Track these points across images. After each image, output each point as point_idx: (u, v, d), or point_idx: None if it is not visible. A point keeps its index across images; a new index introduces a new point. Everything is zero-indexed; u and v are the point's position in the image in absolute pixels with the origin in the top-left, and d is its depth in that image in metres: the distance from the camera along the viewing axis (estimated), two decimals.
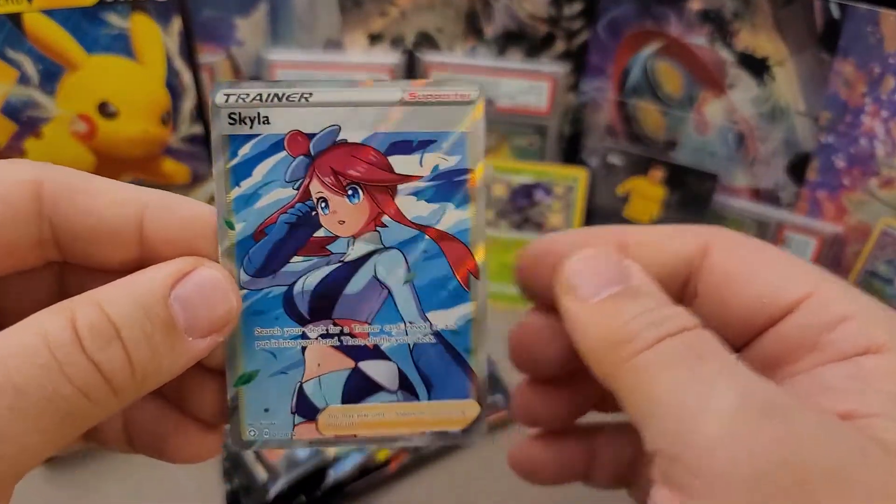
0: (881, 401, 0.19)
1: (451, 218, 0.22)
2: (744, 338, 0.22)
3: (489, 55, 0.59)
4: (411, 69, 0.59)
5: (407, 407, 0.23)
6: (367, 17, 0.59)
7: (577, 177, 0.58)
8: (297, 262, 0.22)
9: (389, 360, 0.23)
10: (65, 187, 0.21)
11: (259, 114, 0.22)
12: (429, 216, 0.22)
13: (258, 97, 0.22)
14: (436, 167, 0.22)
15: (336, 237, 0.22)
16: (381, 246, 0.22)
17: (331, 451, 0.43)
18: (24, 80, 0.50)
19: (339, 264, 0.22)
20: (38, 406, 0.17)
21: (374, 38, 0.60)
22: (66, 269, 0.23)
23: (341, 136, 0.22)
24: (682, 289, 0.23)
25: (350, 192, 0.22)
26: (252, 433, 0.23)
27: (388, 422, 0.23)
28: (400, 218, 0.22)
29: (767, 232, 0.54)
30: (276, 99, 0.22)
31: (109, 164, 0.54)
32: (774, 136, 0.53)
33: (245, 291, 0.22)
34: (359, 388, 0.23)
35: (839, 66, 0.49)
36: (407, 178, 0.22)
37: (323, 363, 0.23)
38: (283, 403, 0.23)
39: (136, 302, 0.19)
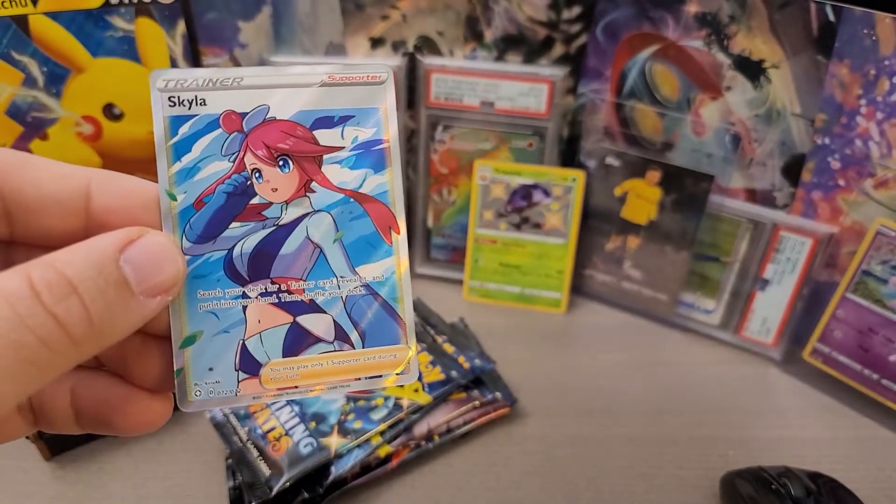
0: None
1: (372, 182, 0.25)
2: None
3: (489, 58, 0.59)
4: (412, 72, 0.59)
5: (343, 355, 0.25)
6: (368, 20, 0.59)
7: (576, 178, 0.58)
8: (235, 228, 0.24)
9: (325, 312, 0.25)
10: (12, 163, 0.22)
11: (196, 97, 0.24)
12: (352, 181, 0.25)
13: (195, 82, 0.24)
14: (355, 138, 0.25)
15: (270, 203, 0.24)
16: (312, 209, 0.25)
17: (333, 448, 0.44)
18: (29, 82, 0.50)
19: (274, 227, 0.24)
20: (2, 354, 0.18)
21: (376, 42, 0.60)
22: (12, 250, 0.24)
23: (270, 114, 0.24)
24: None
25: (281, 163, 0.24)
26: (198, 393, 0.24)
27: (327, 371, 0.25)
28: (327, 184, 0.25)
29: (763, 232, 0.55)
30: (210, 83, 0.24)
31: (115, 165, 0.54)
32: (770, 137, 0.54)
33: (188, 257, 0.24)
34: (298, 341, 0.25)
35: (834, 69, 0.50)
36: (331, 148, 0.25)
37: (263, 320, 0.24)
38: (226, 361, 0.24)
39: (89, 261, 0.20)
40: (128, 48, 0.51)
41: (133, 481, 0.45)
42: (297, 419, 0.46)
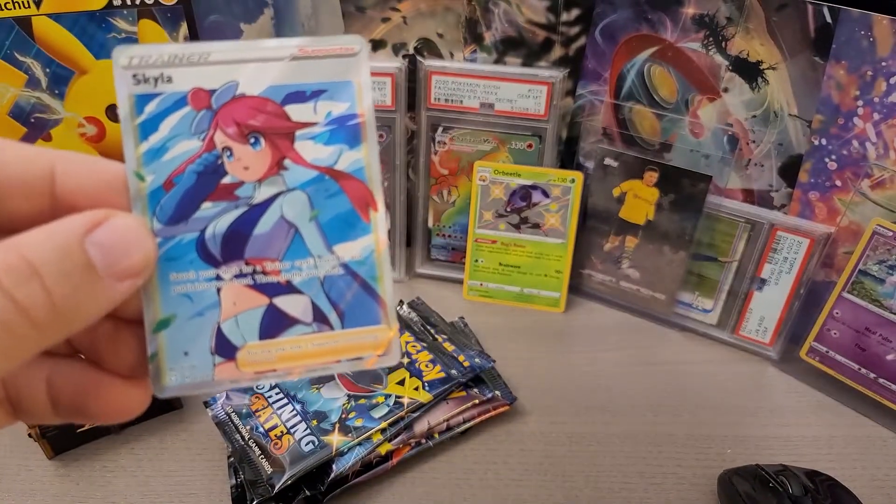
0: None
1: (347, 158, 0.24)
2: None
3: (489, 60, 0.60)
4: (413, 74, 0.60)
5: (323, 337, 0.24)
6: (369, 23, 0.60)
7: (574, 179, 0.58)
8: (207, 209, 0.23)
9: (302, 293, 0.24)
10: None
11: (162, 74, 0.23)
12: (326, 158, 0.24)
13: (160, 58, 0.23)
14: (329, 113, 0.24)
15: (242, 182, 0.23)
16: (286, 188, 0.24)
17: (334, 446, 0.44)
18: (32, 83, 0.50)
19: (248, 207, 0.23)
20: None
21: (377, 44, 0.60)
22: None
23: (240, 91, 0.24)
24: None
25: (252, 141, 0.24)
26: (173, 378, 0.23)
27: (305, 353, 0.24)
28: (300, 161, 0.24)
29: (760, 232, 0.55)
30: (177, 59, 0.23)
31: None
32: (768, 138, 0.54)
33: (159, 239, 0.23)
34: (275, 323, 0.24)
35: (832, 70, 0.50)
36: (303, 124, 0.24)
37: (238, 302, 0.23)
38: (202, 345, 0.23)
39: (53, 244, 0.19)
40: None
41: (136, 479, 0.45)
42: (298, 417, 0.46)
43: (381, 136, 0.61)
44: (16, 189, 0.22)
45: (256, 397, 0.48)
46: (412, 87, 0.60)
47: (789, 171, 0.54)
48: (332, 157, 0.24)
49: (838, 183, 0.52)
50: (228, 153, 0.23)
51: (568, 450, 0.49)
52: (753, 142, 0.55)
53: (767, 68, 0.52)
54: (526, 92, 0.58)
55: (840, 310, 0.52)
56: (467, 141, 0.61)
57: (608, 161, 0.59)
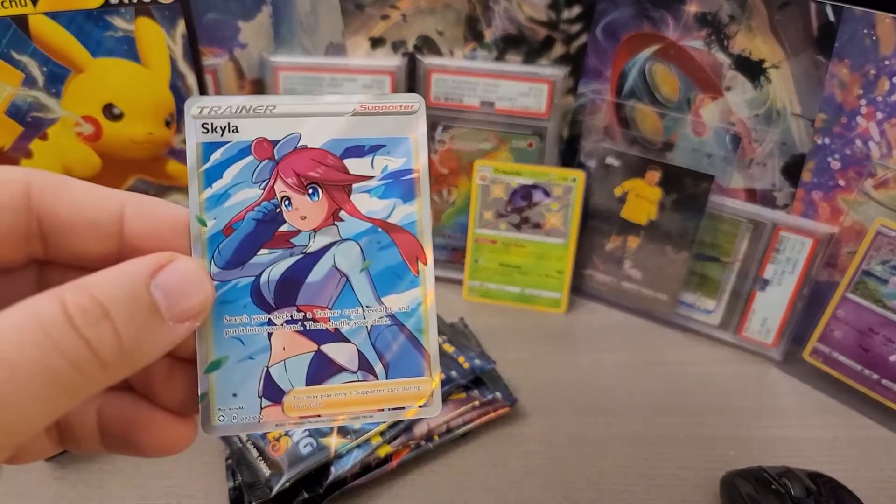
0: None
1: (400, 212, 0.25)
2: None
3: (489, 58, 0.59)
4: (412, 73, 0.59)
5: (367, 386, 0.25)
6: (368, 20, 0.59)
7: (576, 178, 0.58)
8: (264, 255, 0.24)
9: (349, 342, 0.25)
10: (51, 185, 0.23)
11: (229, 124, 0.25)
12: (381, 211, 0.25)
13: (228, 109, 0.25)
14: (385, 167, 0.25)
15: (299, 231, 0.25)
16: (340, 238, 0.25)
17: (333, 448, 0.44)
18: (29, 82, 0.50)
19: (302, 255, 0.24)
20: (33, 379, 0.18)
21: (376, 42, 0.60)
22: (46, 270, 0.24)
23: (301, 143, 0.25)
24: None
25: (310, 191, 0.25)
26: (221, 418, 0.24)
27: (349, 401, 0.25)
28: (355, 213, 0.25)
29: (763, 232, 0.55)
30: (243, 111, 0.25)
31: (114, 165, 0.54)
32: (770, 137, 0.54)
33: (216, 283, 0.24)
34: (321, 370, 0.25)
35: (835, 69, 0.50)
36: (361, 177, 0.25)
37: (288, 347, 0.24)
38: (250, 388, 0.24)
39: (122, 286, 0.20)
40: (128, 48, 0.51)
41: (133, 482, 0.45)
42: None
43: None
44: (86, 229, 0.23)
45: None
46: (412, 86, 0.60)
47: (792, 170, 0.54)
48: (385, 210, 0.25)
49: (841, 182, 0.52)
50: (287, 202, 0.25)
51: (569, 451, 0.48)
52: (756, 141, 0.54)
53: (770, 67, 0.52)
54: (527, 90, 0.58)
55: (843, 310, 0.52)
56: (467, 140, 0.60)
57: (610, 160, 0.58)
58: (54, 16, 0.49)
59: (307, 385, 0.24)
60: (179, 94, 0.54)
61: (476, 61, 0.59)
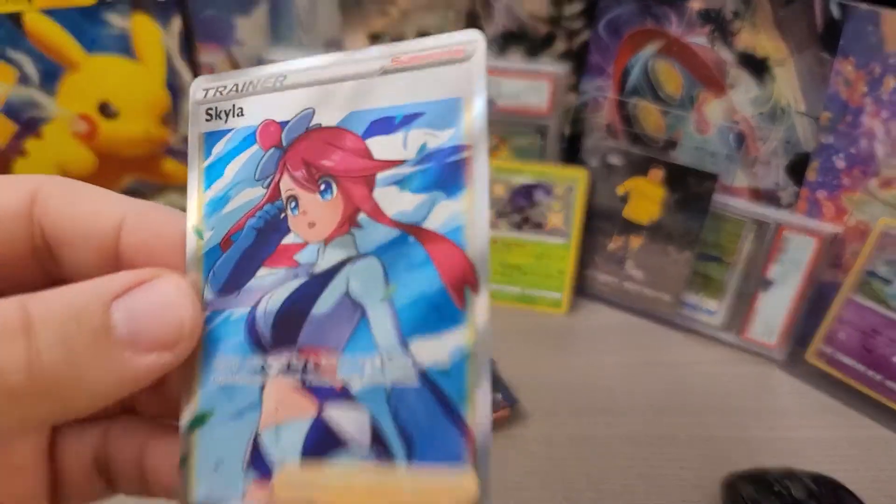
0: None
1: (442, 212, 0.17)
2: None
3: (489, 55, 0.59)
4: None
5: (379, 472, 0.17)
6: (367, 16, 0.59)
7: (577, 177, 0.58)
8: (263, 276, 0.19)
9: (360, 406, 0.18)
10: (55, 192, 0.20)
11: (234, 106, 0.20)
12: (414, 211, 0.18)
13: (234, 87, 0.20)
14: (423, 146, 0.18)
15: (305, 244, 0.19)
16: (356, 253, 0.18)
17: None
18: (23, 79, 0.50)
19: (307, 277, 0.18)
20: None
21: (375, 38, 0.60)
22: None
23: (315, 121, 0.19)
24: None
25: (322, 187, 0.19)
26: (201, 491, 0.19)
27: (354, 490, 0.18)
28: (378, 215, 0.18)
29: (767, 232, 0.54)
30: (250, 86, 0.20)
31: (110, 164, 0.54)
32: (774, 136, 0.53)
33: (208, 312, 0.19)
34: (322, 443, 0.18)
35: (839, 66, 0.49)
36: (387, 163, 0.18)
37: (282, 406, 0.18)
38: (236, 455, 0.19)
39: (68, 302, 0.17)
40: (123, 45, 0.51)
41: None
42: None
43: None
44: (82, 240, 0.20)
45: None
46: None
47: (796, 169, 0.53)
48: (421, 211, 0.18)
49: (846, 182, 0.52)
50: (293, 204, 0.19)
51: (570, 452, 0.48)
52: (760, 139, 0.54)
53: (774, 64, 0.51)
54: (528, 87, 0.57)
55: (847, 311, 0.51)
56: None
57: (612, 159, 0.58)
58: (49, 13, 0.48)
59: (302, 458, 0.18)
60: (175, 91, 0.53)
61: None
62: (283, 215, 0.19)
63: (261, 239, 0.19)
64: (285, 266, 0.19)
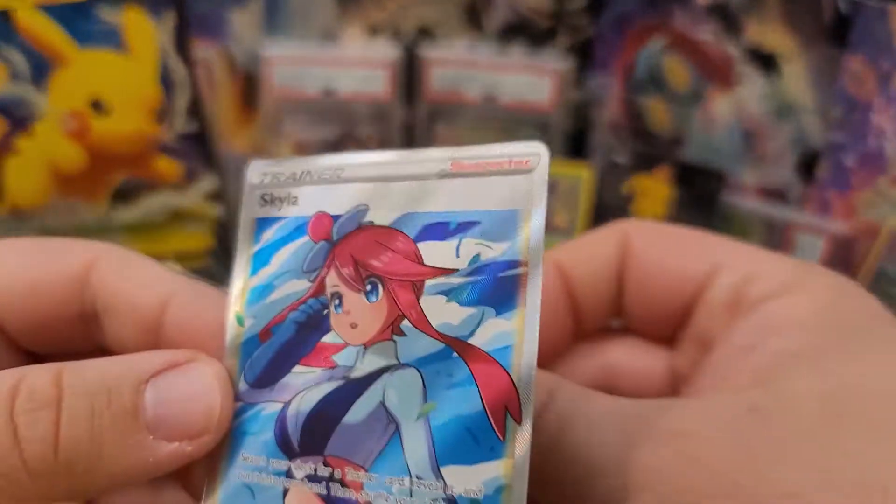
0: (782, 343, 0.19)
1: (490, 330, 0.17)
2: (677, 318, 0.22)
3: (491, 49, 0.58)
4: (410, 64, 0.58)
5: None
6: (364, 9, 0.58)
7: (582, 175, 0.57)
8: (299, 374, 0.18)
9: None
10: (113, 263, 0.20)
11: (289, 194, 0.19)
12: (460, 325, 0.17)
13: (291, 176, 0.19)
14: (476, 257, 0.17)
15: (345, 345, 0.18)
16: (396, 362, 0.17)
17: None
18: (14, 76, 0.49)
19: (343, 381, 0.18)
20: None
21: (372, 32, 0.59)
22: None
23: (368, 218, 0.18)
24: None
25: (368, 288, 0.18)
26: None
27: None
28: (423, 324, 0.17)
29: (775, 230, 0.54)
30: (307, 176, 0.19)
31: (102, 161, 0.53)
32: (783, 133, 0.53)
33: (240, 405, 0.18)
34: None
35: (848, 63, 0.49)
36: (438, 271, 0.18)
37: None
38: None
39: (101, 377, 0.17)
40: (115, 40, 0.50)
41: None
42: None
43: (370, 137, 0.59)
44: (126, 313, 0.20)
45: None
46: (409, 78, 0.59)
47: (806, 167, 0.53)
48: (468, 325, 0.17)
49: (856, 180, 0.51)
50: (337, 301, 0.18)
51: None
52: (768, 136, 0.53)
53: (783, 60, 0.51)
54: (531, 83, 0.56)
55: None
56: (468, 134, 0.59)
57: (617, 156, 0.57)
58: (41, 8, 0.48)
59: None
60: (169, 87, 0.52)
61: (477, 52, 0.58)
62: (325, 312, 0.18)
63: (301, 334, 0.18)
64: (322, 366, 0.18)
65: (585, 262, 0.23)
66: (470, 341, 0.17)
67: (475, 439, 0.16)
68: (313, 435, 0.18)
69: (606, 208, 0.59)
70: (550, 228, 0.59)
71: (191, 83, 0.53)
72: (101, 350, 0.21)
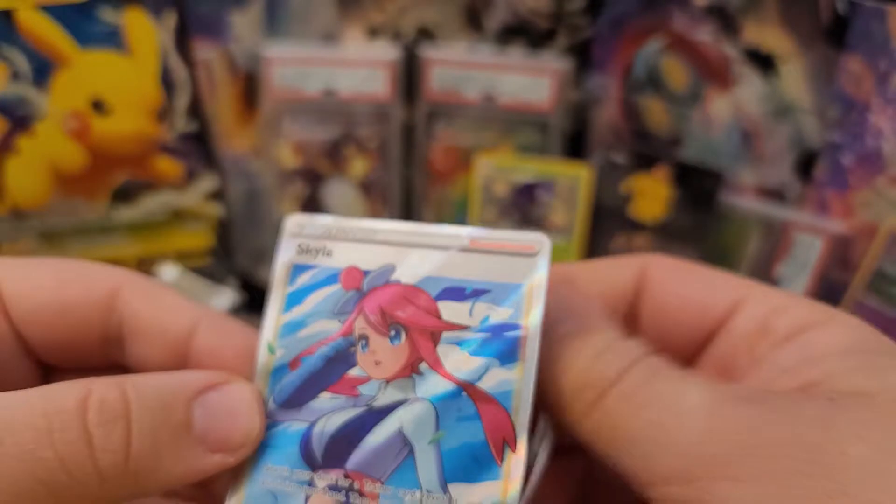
0: (831, 363, 0.20)
1: (494, 377, 0.20)
2: (691, 350, 0.23)
3: (490, 50, 0.58)
4: (410, 64, 0.58)
5: None
6: (364, 10, 0.58)
7: (580, 175, 0.57)
8: (325, 400, 0.21)
9: None
10: (140, 289, 0.22)
11: (325, 247, 0.22)
12: (470, 371, 0.21)
13: (326, 230, 0.23)
14: (486, 318, 0.21)
15: (369, 378, 0.21)
16: (413, 396, 0.21)
17: None
18: (15, 76, 0.49)
19: (366, 408, 0.21)
20: (14, 464, 0.16)
21: (373, 33, 0.59)
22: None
23: (395, 276, 0.22)
24: (629, 316, 0.24)
25: (393, 333, 0.21)
26: None
27: None
28: (438, 367, 0.21)
29: (773, 230, 0.54)
30: (342, 233, 0.22)
31: (102, 161, 0.53)
32: (781, 133, 0.53)
33: (268, 421, 0.21)
34: None
35: (846, 63, 0.49)
36: (453, 325, 0.21)
37: None
38: None
39: (158, 392, 0.19)
40: (116, 40, 0.50)
41: None
42: None
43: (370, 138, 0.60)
44: (156, 337, 0.22)
45: None
46: (410, 78, 0.59)
47: (804, 166, 0.53)
48: (476, 372, 0.21)
49: (854, 180, 0.51)
50: (364, 342, 0.22)
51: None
52: (766, 136, 0.53)
53: (781, 61, 0.51)
54: (530, 83, 0.57)
55: (856, 312, 0.51)
56: (468, 134, 0.59)
57: (616, 156, 0.57)
58: (42, 8, 0.48)
59: None
60: (170, 87, 0.52)
61: (477, 53, 0.58)
62: (352, 350, 0.22)
63: (328, 367, 0.21)
64: (346, 394, 0.21)
65: (600, 283, 0.24)
66: (477, 385, 0.20)
67: (478, 463, 0.20)
68: (336, 451, 0.20)
69: (605, 208, 0.59)
70: (549, 227, 0.59)
71: (191, 83, 0.53)
72: (118, 368, 0.23)
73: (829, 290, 0.53)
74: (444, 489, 0.20)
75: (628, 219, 0.58)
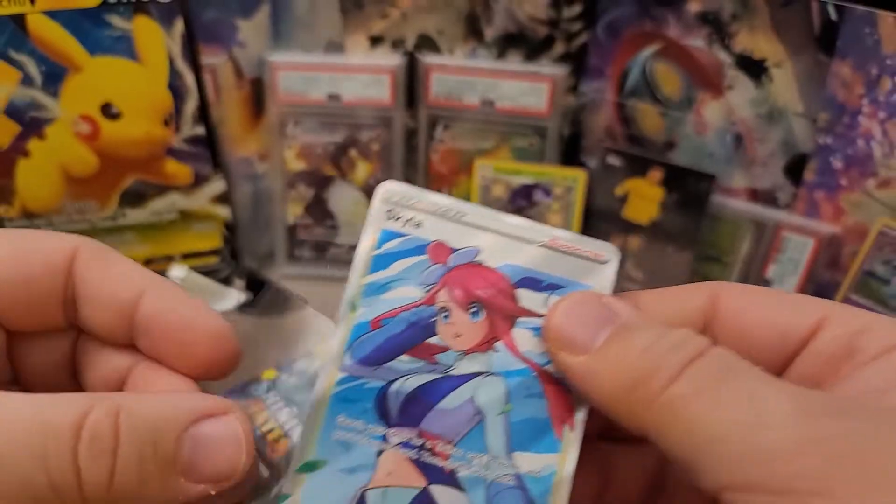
0: None
1: None
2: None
3: (489, 57, 0.59)
4: (412, 71, 0.59)
5: None
6: (367, 18, 0.59)
7: (576, 178, 0.58)
8: (403, 362, 0.22)
9: (463, 490, 0.22)
10: (95, 255, 0.23)
11: (414, 217, 0.23)
12: (541, 355, 0.22)
13: (419, 202, 0.24)
14: None
15: (447, 348, 0.23)
16: (488, 370, 0.22)
17: None
18: (27, 81, 0.50)
19: (442, 376, 0.22)
20: (10, 479, 0.17)
21: (375, 40, 0.60)
22: (80, 336, 0.25)
23: (479, 258, 0.23)
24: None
25: (473, 310, 0.23)
26: None
27: None
28: (512, 348, 0.23)
29: (765, 231, 0.54)
30: (433, 208, 0.24)
31: (112, 165, 0.54)
32: (772, 137, 0.53)
33: (344, 375, 0.22)
34: None
35: (837, 68, 0.49)
36: (529, 313, 0.23)
37: (394, 473, 0.22)
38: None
39: (151, 423, 0.19)
40: (126, 47, 0.51)
41: None
42: (296, 420, 0.46)
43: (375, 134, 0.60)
44: (107, 301, 0.23)
45: (255, 400, 0.48)
46: (411, 84, 0.60)
47: (794, 169, 0.53)
48: (545, 356, 0.22)
49: (844, 182, 0.52)
50: (445, 314, 0.23)
51: None
52: (758, 140, 0.54)
53: (772, 66, 0.52)
54: (527, 89, 0.57)
55: None
56: (467, 139, 0.60)
57: (611, 160, 0.58)
58: (52, 14, 0.49)
59: None
60: (177, 93, 0.53)
61: (476, 60, 0.59)
62: (433, 319, 0.23)
63: (409, 332, 0.23)
64: (425, 360, 0.22)
65: (668, 309, 0.23)
66: (546, 368, 0.22)
67: (540, 437, 0.22)
68: (410, 412, 0.22)
69: (600, 209, 0.60)
70: None
71: (199, 89, 0.54)
72: (75, 328, 0.24)
73: (819, 290, 0.54)
74: (509, 455, 0.22)
75: (623, 220, 0.59)
